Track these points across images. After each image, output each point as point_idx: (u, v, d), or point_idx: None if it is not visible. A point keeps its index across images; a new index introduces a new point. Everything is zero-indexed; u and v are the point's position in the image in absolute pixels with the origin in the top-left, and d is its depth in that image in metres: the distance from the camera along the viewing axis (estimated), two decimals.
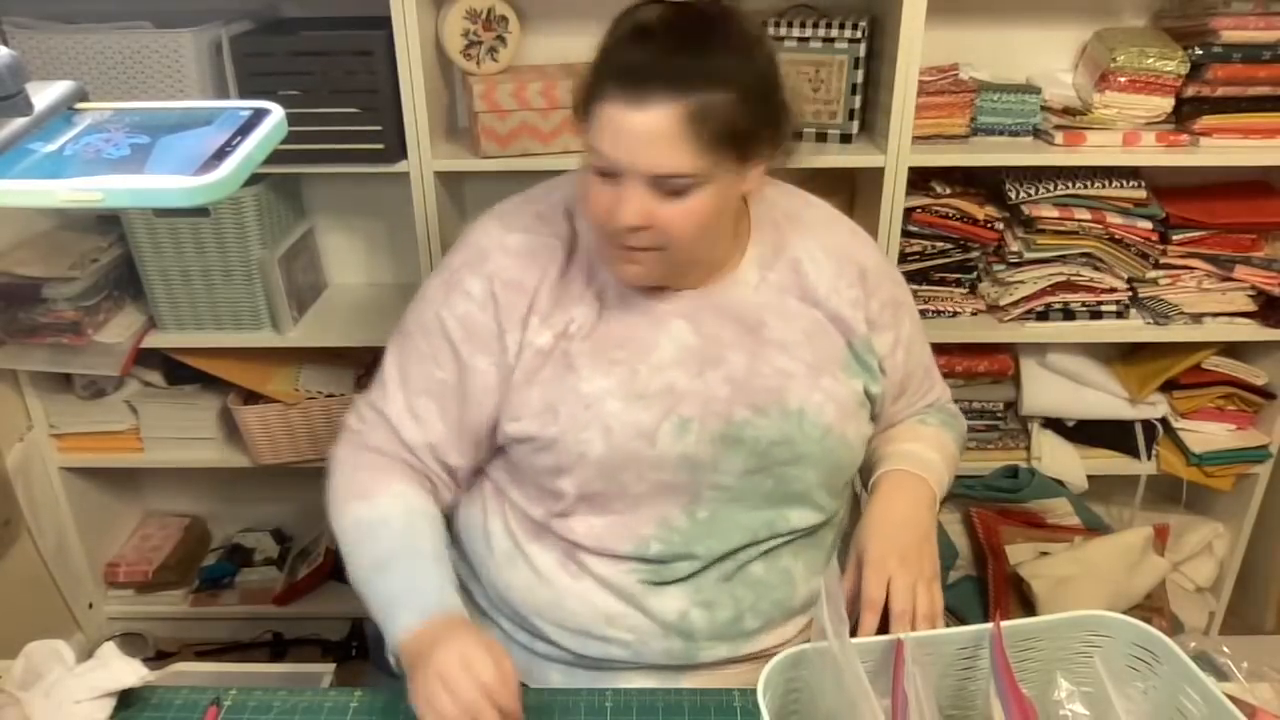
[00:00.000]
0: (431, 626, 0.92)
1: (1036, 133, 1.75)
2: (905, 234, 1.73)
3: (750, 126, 0.93)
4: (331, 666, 1.21)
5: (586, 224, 1.04)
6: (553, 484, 1.03)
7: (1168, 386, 1.94)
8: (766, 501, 1.05)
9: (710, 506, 1.03)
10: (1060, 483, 1.88)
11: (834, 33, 1.66)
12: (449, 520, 1.13)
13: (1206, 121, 1.69)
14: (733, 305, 1.04)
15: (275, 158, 0.61)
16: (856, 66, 1.67)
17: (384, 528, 1.01)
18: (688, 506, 1.03)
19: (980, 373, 1.92)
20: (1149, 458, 1.96)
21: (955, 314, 1.84)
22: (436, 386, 1.05)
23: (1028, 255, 1.78)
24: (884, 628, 0.96)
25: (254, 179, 1.61)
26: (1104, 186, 1.74)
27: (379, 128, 1.63)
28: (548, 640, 1.07)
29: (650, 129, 0.88)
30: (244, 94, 1.63)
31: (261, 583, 2.13)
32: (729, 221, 1.02)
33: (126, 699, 1.00)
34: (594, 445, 0.99)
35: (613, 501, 1.02)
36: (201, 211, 1.71)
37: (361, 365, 1.93)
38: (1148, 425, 1.96)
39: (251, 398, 1.91)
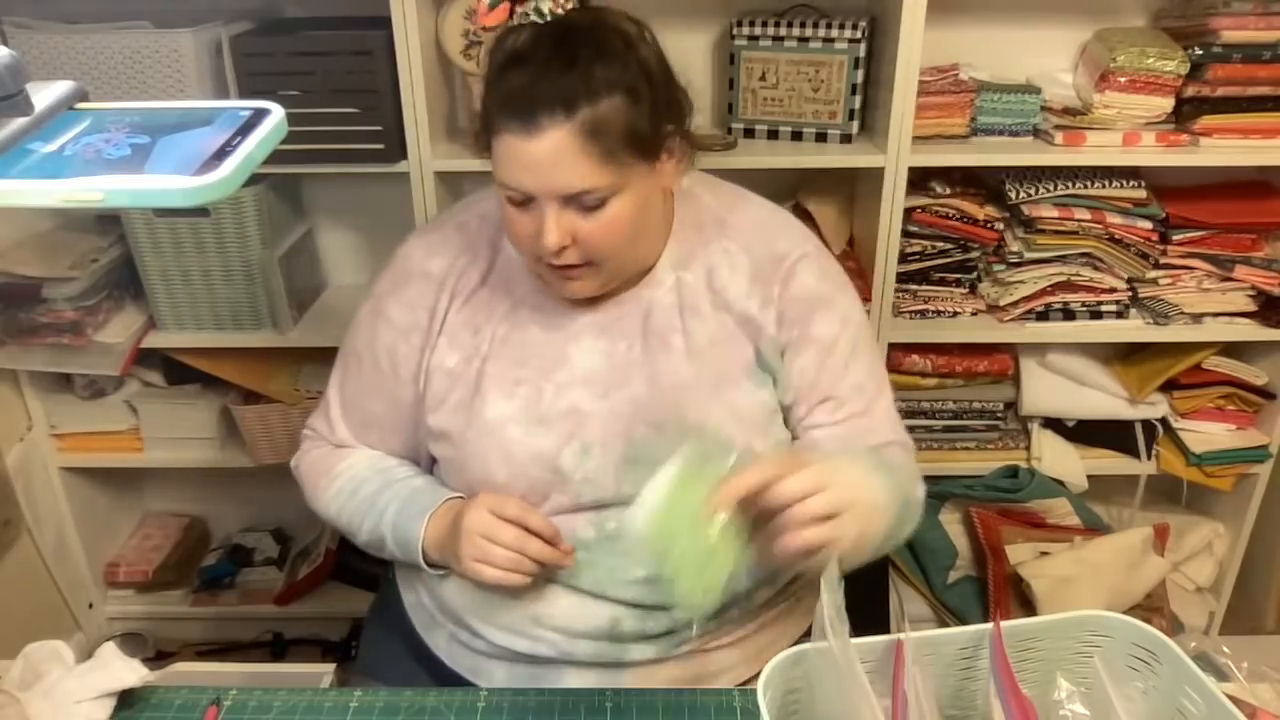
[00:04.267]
0: (440, 516, 1.02)
1: (1036, 133, 1.75)
2: (905, 234, 1.73)
3: (648, 125, 0.92)
4: (331, 666, 1.21)
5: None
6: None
7: (1168, 386, 1.94)
8: None
9: (617, 518, 1.02)
10: (1060, 483, 1.89)
11: (834, 33, 1.66)
12: None
13: (1206, 121, 1.69)
14: (644, 312, 1.03)
15: (275, 158, 0.61)
16: (856, 66, 1.67)
17: (361, 485, 1.08)
18: (594, 520, 1.02)
19: (980, 373, 1.92)
20: (1149, 458, 1.96)
21: (955, 314, 1.84)
22: (373, 419, 1.11)
23: (1028, 255, 1.78)
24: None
25: (254, 179, 1.61)
26: (1104, 186, 1.74)
27: (379, 128, 1.63)
28: (483, 638, 1.08)
29: (548, 153, 0.89)
30: (244, 94, 1.63)
31: (261, 583, 2.13)
32: (655, 216, 1.00)
33: (126, 699, 1.00)
34: (496, 471, 1.01)
35: None
36: (201, 211, 1.71)
37: None
38: (1148, 425, 1.96)
39: (251, 398, 1.91)
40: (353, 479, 1.09)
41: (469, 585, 1.07)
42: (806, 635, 1.14)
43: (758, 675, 1.11)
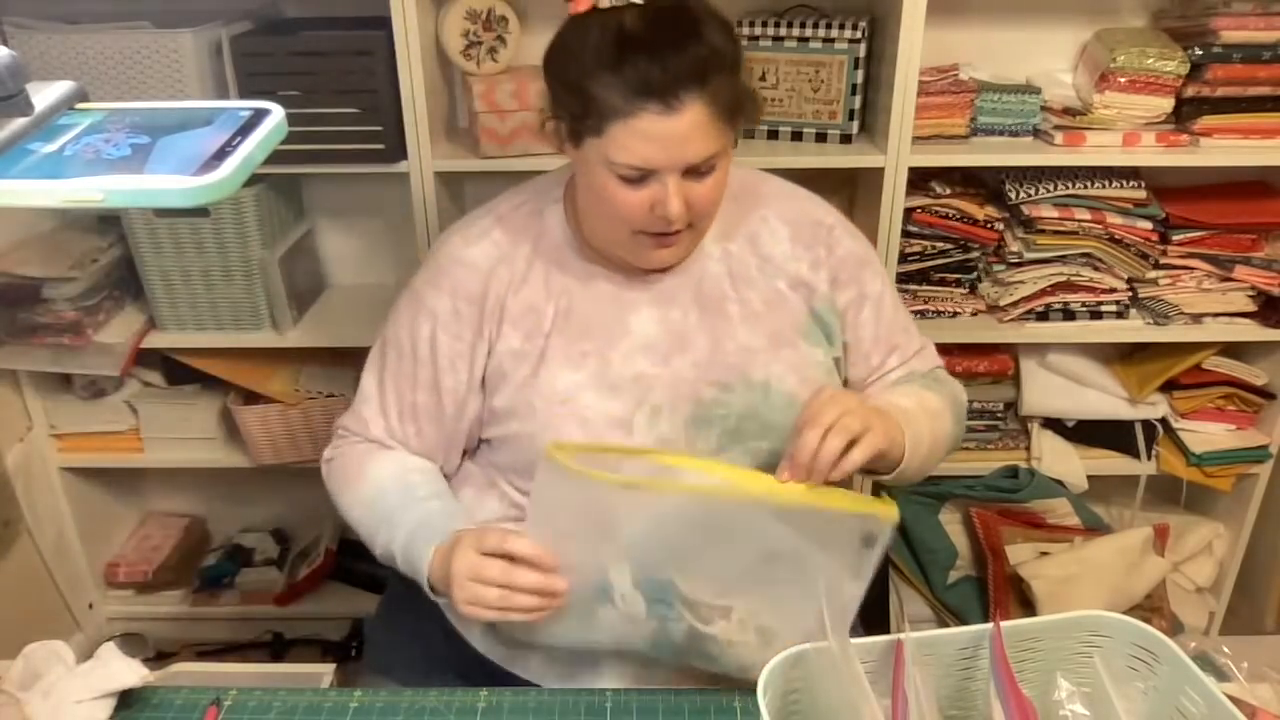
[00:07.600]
0: (444, 550, 0.98)
1: (1036, 133, 1.75)
2: (905, 234, 1.73)
3: (742, 94, 0.98)
4: (331, 666, 1.21)
5: (557, 221, 1.08)
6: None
7: (1168, 386, 1.94)
8: None
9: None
10: (1060, 483, 1.89)
11: (834, 33, 1.66)
12: None
13: (1206, 122, 1.69)
14: (696, 284, 1.07)
15: (275, 158, 0.61)
16: (856, 66, 1.67)
17: (382, 498, 1.07)
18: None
19: (980, 373, 1.92)
20: (1149, 458, 1.96)
21: (955, 314, 1.84)
22: (410, 409, 1.10)
23: (1028, 255, 1.78)
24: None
25: (254, 179, 1.61)
26: (1104, 187, 1.74)
27: (379, 128, 1.63)
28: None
29: (689, 128, 0.92)
30: (244, 94, 1.63)
31: (261, 583, 2.12)
32: None
33: (126, 699, 1.00)
34: (572, 438, 1.01)
35: None
36: (201, 212, 1.71)
37: (361, 366, 1.92)
38: (1148, 425, 1.96)
39: (251, 398, 1.91)
40: (376, 487, 1.08)
41: None
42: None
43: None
